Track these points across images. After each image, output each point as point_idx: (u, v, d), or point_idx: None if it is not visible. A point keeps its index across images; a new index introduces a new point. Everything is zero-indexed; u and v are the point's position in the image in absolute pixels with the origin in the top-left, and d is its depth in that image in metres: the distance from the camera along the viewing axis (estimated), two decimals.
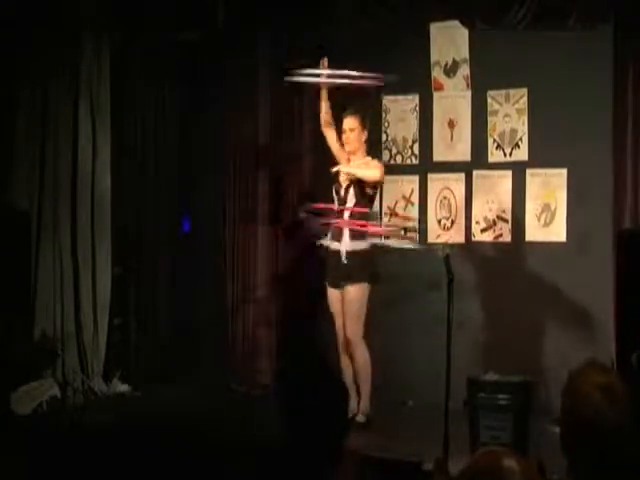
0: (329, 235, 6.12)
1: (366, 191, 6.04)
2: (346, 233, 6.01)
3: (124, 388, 7.17)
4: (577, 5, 6.09)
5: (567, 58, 6.47)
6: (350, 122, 6.11)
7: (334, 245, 6.07)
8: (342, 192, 6.08)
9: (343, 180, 6.08)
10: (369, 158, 6.18)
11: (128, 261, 7.47)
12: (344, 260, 5.98)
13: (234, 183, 7.64)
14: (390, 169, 6.61)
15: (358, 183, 6.02)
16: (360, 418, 5.89)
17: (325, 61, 6.22)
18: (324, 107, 6.27)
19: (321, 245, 6.21)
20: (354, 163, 6.14)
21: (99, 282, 7.16)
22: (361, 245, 6.00)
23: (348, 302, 5.99)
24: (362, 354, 5.99)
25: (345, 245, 6.00)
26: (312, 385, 2.49)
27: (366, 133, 6.15)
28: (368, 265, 6.03)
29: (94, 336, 7.12)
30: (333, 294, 6.11)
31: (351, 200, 6.05)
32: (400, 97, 7.20)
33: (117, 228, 7.34)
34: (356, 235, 6.00)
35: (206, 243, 7.80)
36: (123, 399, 7.03)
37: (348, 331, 5.99)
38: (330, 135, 6.26)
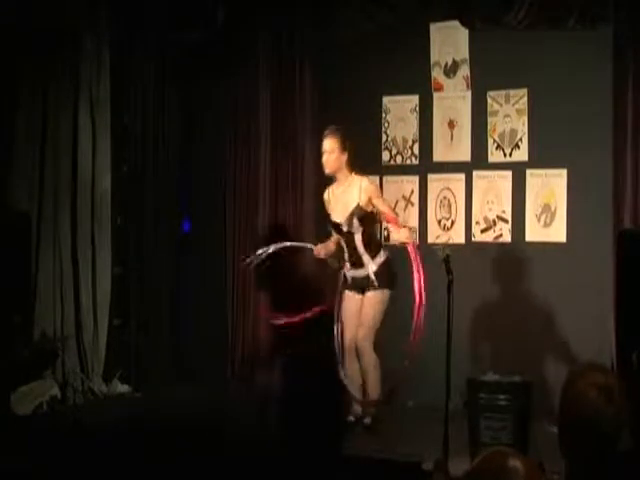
0: (347, 265, 6.01)
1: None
2: (367, 258, 5.95)
3: (124, 388, 7.17)
4: (577, 6, 6.10)
5: (567, 58, 6.47)
6: (329, 143, 5.97)
7: (357, 272, 5.98)
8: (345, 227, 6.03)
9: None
10: (355, 176, 6.02)
11: (128, 261, 7.47)
12: (375, 282, 5.91)
13: (234, 183, 7.64)
14: (390, 169, 6.62)
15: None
16: (367, 421, 5.89)
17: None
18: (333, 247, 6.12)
19: (344, 275, 6.07)
20: (339, 187, 6.03)
21: (99, 282, 7.16)
22: (383, 257, 5.98)
23: (367, 306, 5.96)
24: (371, 357, 5.94)
25: (371, 267, 5.93)
26: (311, 386, 2.49)
27: (346, 154, 5.97)
28: (388, 271, 6.00)
29: (94, 336, 7.11)
30: (352, 299, 6.03)
31: (358, 229, 5.98)
32: (400, 97, 7.20)
33: (117, 228, 7.34)
34: (375, 253, 5.97)
35: (206, 243, 7.80)
36: (123, 399, 7.03)
37: (360, 335, 5.94)
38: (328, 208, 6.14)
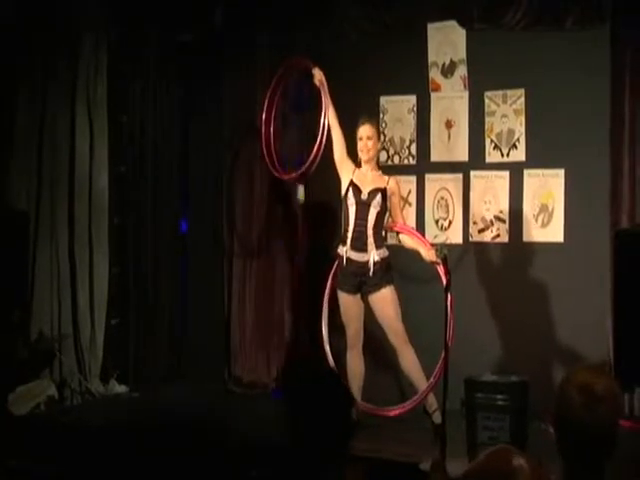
0: (348, 243, 5.96)
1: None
2: (371, 242, 5.91)
3: (121, 389, 7.16)
4: (575, 6, 6.10)
5: (564, 59, 6.47)
6: (368, 130, 6.00)
7: (357, 255, 5.91)
8: (364, 197, 5.97)
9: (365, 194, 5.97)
10: (380, 172, 6.10)
11: (125, 261, 7.46)
12: (371, 272, 5.87)
13: (234, 183, 7.63)
14: (388, 169, 6.60)
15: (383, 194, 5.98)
16: (436, 418, 5.70)
17: (318, 72, 6.18)
18: (340, 134, 6.08)
19: (338, 254, 6.02)
20: (367, 173, 6.03)
21: (97, 282, 7.15)
22: (386, 252, 5.95)
23: (383, 307, 5.90)
24: (410, 352, 5.89)
25: (373, 255, 5.89)
26: (314, 387, 2.49)
27: (378, 144, 6.14)
28: (390, 268, 5.98)
29: (91, 336, 7.11)
30: (351, 300, 5.98)
31: (376, 205, 5.94)
32: (398, 97, 7.20)
33: (115, 228, 7.34)
34: (380, 243, 5.95)
35: (205, 243, 7.79)
36: (120, 400, 7.03)
37: (393, 335, 5.89)
38: (347, 168, 6.05)
